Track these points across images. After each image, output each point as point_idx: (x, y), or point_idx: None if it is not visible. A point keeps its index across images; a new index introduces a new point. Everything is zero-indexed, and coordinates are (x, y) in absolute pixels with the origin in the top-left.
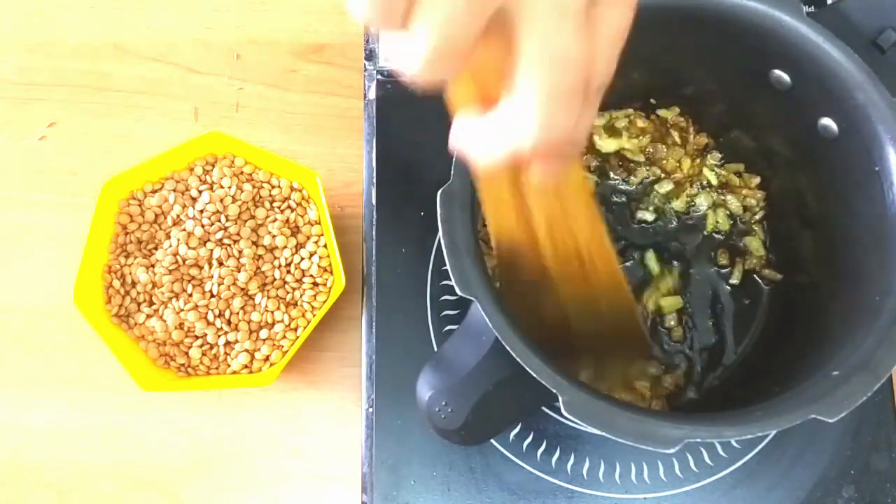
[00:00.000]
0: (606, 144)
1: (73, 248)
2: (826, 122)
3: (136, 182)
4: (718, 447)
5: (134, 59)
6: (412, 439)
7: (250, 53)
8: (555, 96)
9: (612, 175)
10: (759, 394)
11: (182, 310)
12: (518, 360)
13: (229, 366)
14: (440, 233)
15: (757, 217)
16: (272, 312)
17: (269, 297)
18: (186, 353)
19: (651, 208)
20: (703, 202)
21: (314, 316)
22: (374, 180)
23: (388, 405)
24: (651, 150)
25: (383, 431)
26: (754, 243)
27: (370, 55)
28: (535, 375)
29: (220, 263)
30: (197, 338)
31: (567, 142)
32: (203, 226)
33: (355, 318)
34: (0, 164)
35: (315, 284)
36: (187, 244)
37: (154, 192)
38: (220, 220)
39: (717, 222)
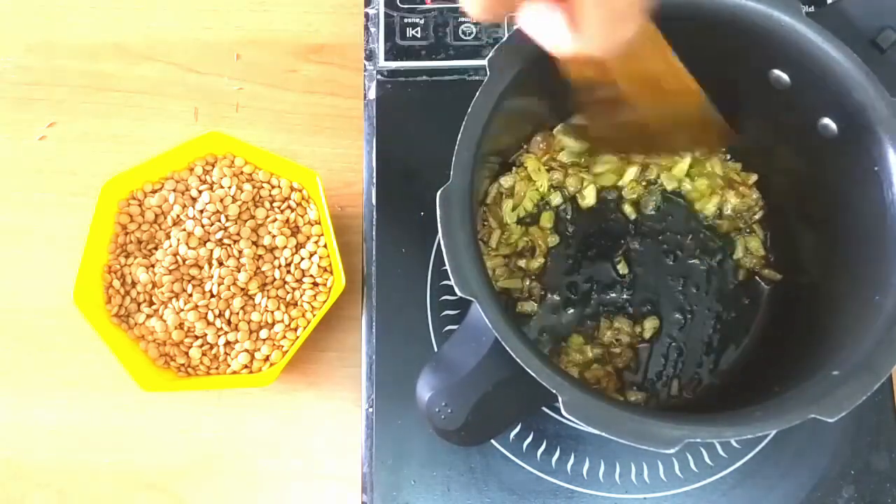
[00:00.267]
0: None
1: (73, 248)
2: (825, 121)
3: (136, 182)
4: (718, 447)
5: (134, 59)
6: (412, 439)
7: (250, 53)
8: (617, 7)
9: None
10: (759, 394)
11: (182, 310)
12: (518, 360)
13: (229, 366)
14: (439, 233)
15: (756, 217)
16: (272, 312)
17: (269, 297)
18: (186, 353)
19: (653, 200)
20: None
21: (314, 316)
22: (374, 180)
23: (388, 405)
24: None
25: (383, 431)
26: (754, 243)
27: (370, 55)
28: (534, 376)
29: (220, 263)
30: (197, 338)
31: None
32: (203, 226)
33: (355, 318)
34: (0, 164)
35: (315, 284)
36: (187, 244)
37: (154, 192)
38: (220, 220)
39: (706, 207)
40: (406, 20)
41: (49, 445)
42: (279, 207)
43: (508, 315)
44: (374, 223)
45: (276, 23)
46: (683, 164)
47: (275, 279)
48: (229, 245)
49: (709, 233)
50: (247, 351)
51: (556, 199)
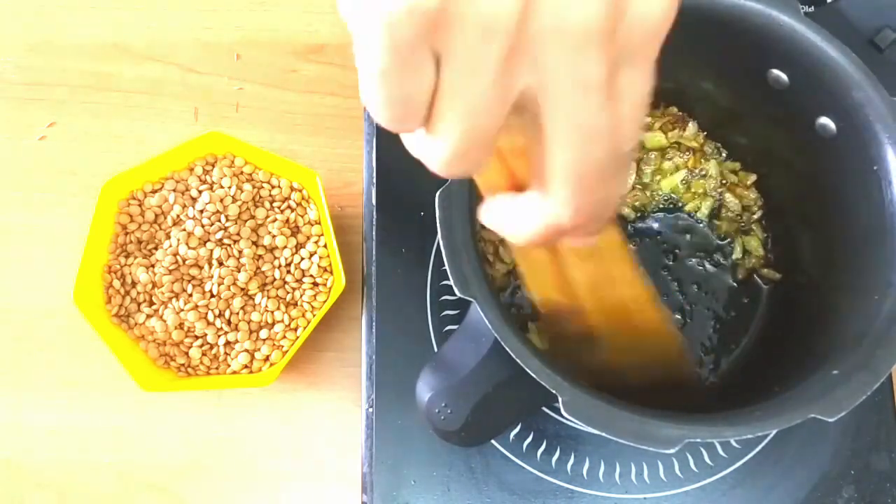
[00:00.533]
0: None
1: (73, 248)
2: (824, 121)
3: (136, 182)
4: (718, 447)
5: (134, 59)
6: (412, 439)
7: (250, 53)
8: (586, 174)
9: None
10: (759, 394)
11: (182, 310)
12: (517, 360)
13: (229, 366)
14: (439, 234)
15: (756, 216)
16: (272, 312)
17: (269, 297)
18: (186, 353)
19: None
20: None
21: (314, 316)
22: (374, 180)
23: (388, 405)
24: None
25: (383, 431)
26: (753, 242)
27: None
28: (534, 376)
29: (220, 263)
30: (197, 338)
31: (602, 213)
32: (203, 226)
33: (355, 318)
34: (0, 164)
35: (315, 284)
36: (187, 244)
37: (154, 192)
38: (220, 220)
39: (699, 206)
40: None
41: (49, 445)
42: (279, 207)
43: (508, 315)
44: (374, 223)
45: (276, 23)
46: (677, 176)
47: (275, 279)
48: (229, 245)
49: (708, 232)
50: (247, 351)
51: None
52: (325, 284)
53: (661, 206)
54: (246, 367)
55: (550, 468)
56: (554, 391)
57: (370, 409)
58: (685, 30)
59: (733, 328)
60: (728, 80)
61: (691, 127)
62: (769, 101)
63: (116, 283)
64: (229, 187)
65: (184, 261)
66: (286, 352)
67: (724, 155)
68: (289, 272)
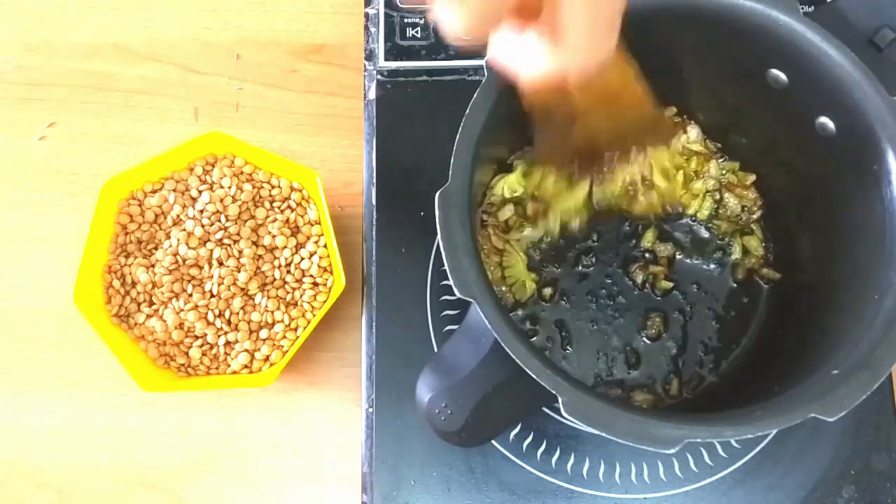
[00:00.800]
0: None
1: (73, 248)
2: (823, 120)
3: (136, 182)
4: (718, 447)
5: (134, 59)
6: (412, 439)
7: (250, 53)
8: (599, 18)
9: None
10: (759, 394)
11: (182, 310)
12: (517, 361)
13: (229, 366)
14: (439, 234)
15: (755, 216)
16: (272, 312)
17: (269, 297)
18: (186, 353)
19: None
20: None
21: (314, 316)
22: (374, 180)
23: (388, 405)
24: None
25: (383, 431)
26: (753, 242)
27: (370, 55)
28: (534, 376)
29: (220, 263)
30: (197, 338)
31: (607, 50)
32: (203, 226)
33: (355, 318)
34: (0, 164)
35: (315, 284)
36: (187, 244)
37: (154, 192)
38: (220, 220)
39: (699, 207)
40: (406, 20)
41: (49, 445)
42: (279, 207)
43: (507, 315)
44: (374, 223)
45: (276, 23)
46: (676, 182)
47: (275, 279)
48: (229, 245)
49: (707, 233)
50: (247, 351)
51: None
52: (325, 284)
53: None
54: (246, 367)
55: (550, 468)
56: (554, 391)
57: (370, 409)
58: (685, 30)
59: (733, 328)
60: (727, 81)
61: (692, 132)
62: (769, 101)
63: (116, 283)
64: (229, 187)
65: (184, 261)
66: (286, 352)
67: (724, 157)
68: (289, 272)
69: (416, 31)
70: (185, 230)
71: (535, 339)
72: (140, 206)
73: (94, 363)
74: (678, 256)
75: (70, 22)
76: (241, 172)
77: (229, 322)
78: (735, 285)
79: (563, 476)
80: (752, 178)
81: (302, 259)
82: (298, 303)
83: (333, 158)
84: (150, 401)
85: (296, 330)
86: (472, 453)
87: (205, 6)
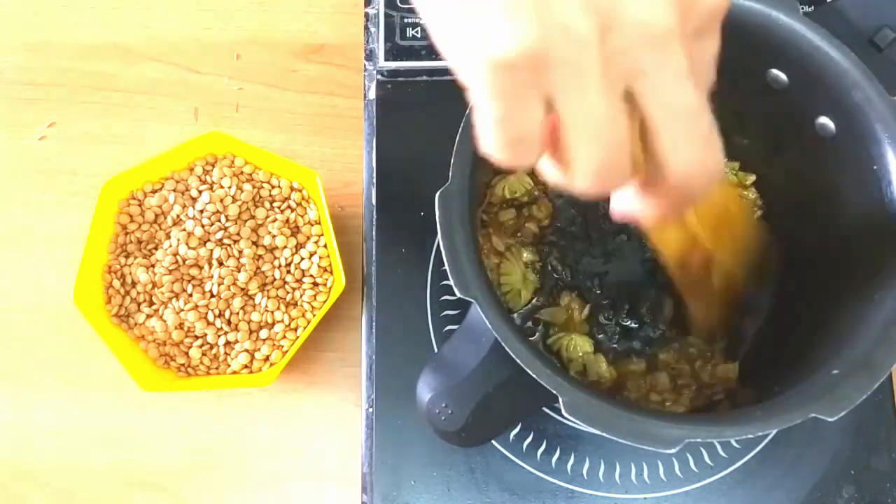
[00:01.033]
0: None
1: (73, 248)
2: (823, 120)
3: (136, 182)
4: (718, 447)
5: (134, 59)
6: (412, 439)
7: (250, 53)
8: (691, 151)
9: None
10: (759, 394)
11: (182, 310)
12: (518, 361)
13: (229, 366)
14: (439, 234)
15: (755, 216)
16: (272, 312)
17: (269, 297)
18: (186, 353)
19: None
20: None
21: (314, 316)
22: (374, 180)
23: (388, 405)
24: None
25: (383, 431)
26: None
27: (370, 55)
28: (534, 377)
29: (220, 263)
30: (197, 338)
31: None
32: (203, 226)
33: (355, 318)
34: (0, 164)
35: (315, 284)
36: (187, 244)
37: (154, 192)
38: (220, 220)
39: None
40: (406, 20)
41: (49, 445)
42: (279, 207)
43: (507, 315)
44: (374, 223)
45: (276, 23)
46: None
47: (275, 279)
48: (229, 245)
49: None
50: (247, 351)
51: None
52: (325, 284)
53: None
54: (246, 367)
55: (550, 468)
56: (554, 391)
57: (370, 409)
58: None
59: (733, 328)
60: (727, 80)
61: None
62: (769, 101)
63: (116, 283)
64: (229, 187)
65: (184, 261)
66: (286, 352)
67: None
68: (289, 272)
69: (417, 31)
70: (185, 230)
71: (534, 337)
72: (140, 206)
73: (94, 363)
74: None
75: (70, 22)
76: (241, 172)
77: (229, 322)
78: None
79: (563, 476)
80: (752, 178)
81: (302, 259)
82: (298, 303)
83: (333, 158)
84: (150, 401)
85: (296, 330)
86: (473, 453)
87: (205, 6)
